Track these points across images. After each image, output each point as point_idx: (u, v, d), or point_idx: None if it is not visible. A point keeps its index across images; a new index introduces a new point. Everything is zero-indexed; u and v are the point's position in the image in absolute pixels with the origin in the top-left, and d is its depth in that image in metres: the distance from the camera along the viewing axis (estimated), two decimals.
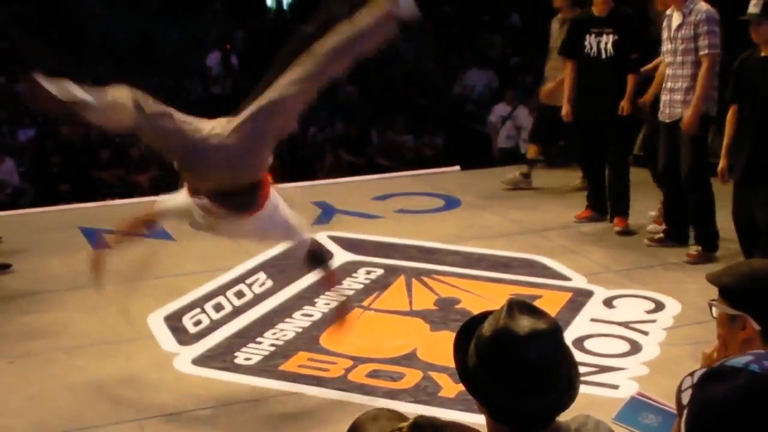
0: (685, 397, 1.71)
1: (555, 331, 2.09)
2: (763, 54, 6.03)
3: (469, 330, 2.18)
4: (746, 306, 2.39)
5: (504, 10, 19.31)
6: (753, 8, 5.96)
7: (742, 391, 1.54)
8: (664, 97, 6.92)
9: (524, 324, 2.06)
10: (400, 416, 2.18)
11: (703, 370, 1.71)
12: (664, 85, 6.94)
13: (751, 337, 2.38)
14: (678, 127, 6.77)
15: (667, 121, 6.90)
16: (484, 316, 2.16)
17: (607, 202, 7.87)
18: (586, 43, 7.55)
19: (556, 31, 8.47)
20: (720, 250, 6.86)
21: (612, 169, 7.71)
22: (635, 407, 2.43)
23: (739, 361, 1.60)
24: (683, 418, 1.65)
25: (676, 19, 6.78)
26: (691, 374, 1.81)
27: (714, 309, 2.47)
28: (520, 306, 2.12)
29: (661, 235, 7.25)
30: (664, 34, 6.92)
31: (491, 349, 2.08)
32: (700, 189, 6.79)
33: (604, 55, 7.49)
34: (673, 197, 7.11)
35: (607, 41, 7.46)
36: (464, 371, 2.15)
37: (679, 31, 6.75)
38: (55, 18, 20.37)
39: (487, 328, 2.11)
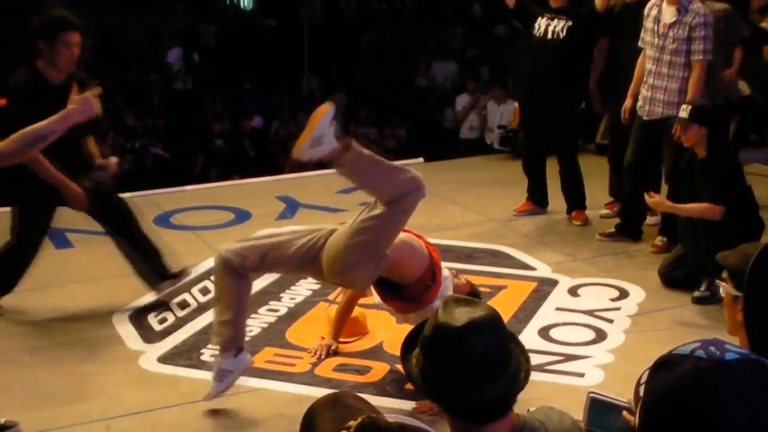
0: (642, 390, 1.73)
1: (493, 318, 2.13)
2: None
3: (413, 337, 2.23)
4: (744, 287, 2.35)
5: (466, 1, 19.37)
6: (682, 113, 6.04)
7: (689, 378, 1.57)
8: (645, 93, 6.75)
9: (461, 316, 2.10)
10: (361, 401, 2.16)
11: None
12: (645, 79, 6.76)
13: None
14: (657, 126, 6.64)
15: (645, 118, 6.76)
16: (426, 322, 2.20)
17: (546, 194, 7.83)
18: (536, 24, 7.34)
19: None
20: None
21: (563, 161, 7.59)
22: (599, 408, 2.41)
23: (686, 348, 1.63)
24: (638, 409, 1.67)
25: (669, 14, 6.57)
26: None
27: (721, 289, 2.47)
28: (455, 300, 2.17)
29: (612, 230, 7.18)
30: (648, 25, 6.70)
31: (434, 346, 2.12)
32: None
33: (550, 36, 7.28)
34: (634, 193, 6.92)
35: (557, 25, 7.27)
36: (414, 374, 2.18)
37: (671, 28, 6.55)
38: (12, 14, 20.19)
39: (427, 328, 2.15)
